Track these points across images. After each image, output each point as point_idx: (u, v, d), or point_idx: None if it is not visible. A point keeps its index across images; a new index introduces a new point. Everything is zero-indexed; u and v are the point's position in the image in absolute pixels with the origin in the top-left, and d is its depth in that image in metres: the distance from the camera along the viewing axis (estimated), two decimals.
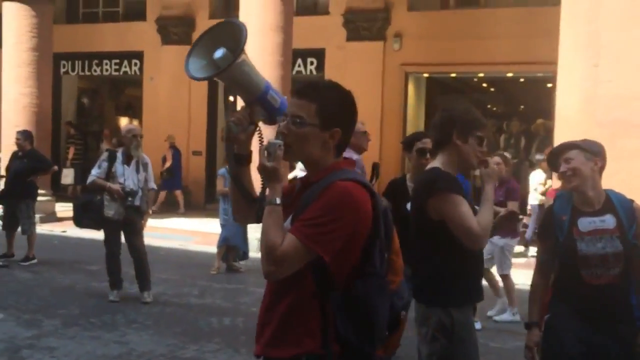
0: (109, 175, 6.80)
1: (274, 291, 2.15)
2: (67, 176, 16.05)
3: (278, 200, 2.05)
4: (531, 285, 3.45)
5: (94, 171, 6.86)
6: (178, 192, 14.57)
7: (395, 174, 13.77)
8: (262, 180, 2.13)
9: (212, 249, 10.50)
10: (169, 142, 14.54)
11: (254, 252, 8.41)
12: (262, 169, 2.07)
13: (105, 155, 7.00)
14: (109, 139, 16.72)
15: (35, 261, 8.77)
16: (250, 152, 2.26)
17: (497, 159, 5.61)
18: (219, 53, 2.15)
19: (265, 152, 2.06)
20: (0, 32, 12.53)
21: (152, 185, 7.19)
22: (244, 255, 8.69)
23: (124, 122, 20.60)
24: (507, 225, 6.64)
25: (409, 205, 3.98)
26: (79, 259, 9.23)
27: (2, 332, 5.72)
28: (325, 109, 2.13)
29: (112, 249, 6.90)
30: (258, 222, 2.18)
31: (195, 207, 14.50)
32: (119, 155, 6.91)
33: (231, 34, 2.18)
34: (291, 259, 2.00)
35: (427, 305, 3.19)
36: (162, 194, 14.03)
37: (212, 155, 15.58)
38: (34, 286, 7.57)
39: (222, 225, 8.49)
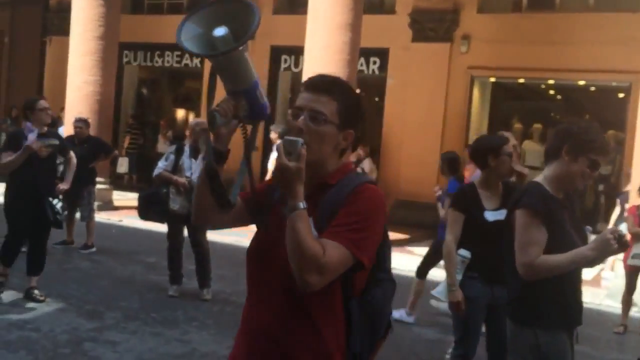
0: (176, 168, 6.68)
1: (291, 303, 1.95)
2: (122, 165, 16.17)
3: (303, 205, 1.83)
4: None
5: (161, 164, 6.75)
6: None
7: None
8: (280, 183, 1.85)
9: None
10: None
11: None
12: (284, 170, 1.81)
13: (172, 148, 6.91)
14: (165, 130, 16.82)
15: (94, 250, 8.74)
16: (229, 149, 2.01)
17: None
18: (220, 32, 1.89)
19: (285, 151, 1.82)
20: (69, 20, 12.66)
21: None
22: None
23: (180, 114, 20.76)
24: None
25: (486, 214, 3.78)
26: (137, 250, 9.17)
27: (64, 322, 5.64)
28: (347, 109, 1.99)
29: (175, 243, 6.77)
30: (263, 229, 2.04)
31: None
32: (187, 148, 6.78)
33: (240, 14, 1.91)
34: (336, 267, 1.85)
35: (515, 324, 3.01)
36: None
37: (269, 151, 15.44)
38: (94, 276, 7.51)
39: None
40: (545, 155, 3.09)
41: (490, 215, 3.83)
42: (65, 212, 6.58)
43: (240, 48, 1.88)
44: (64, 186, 6.89)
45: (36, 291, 6.18)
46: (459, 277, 3.73)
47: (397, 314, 6.55)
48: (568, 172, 2.92)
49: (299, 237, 1.81)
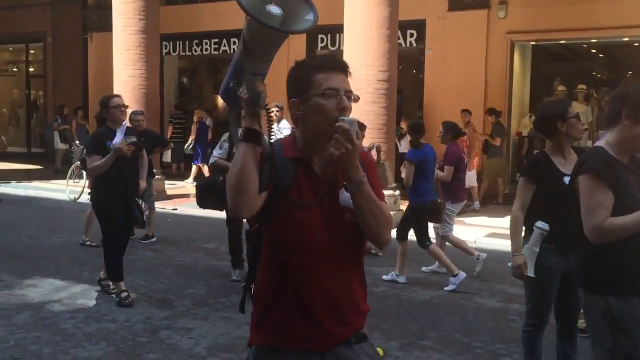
0: (231, 155, 6.84)
1: (350, 262, 2.19)
2: (166, 154, 16.49)
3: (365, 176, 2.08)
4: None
5: (216, 152, 6.92)
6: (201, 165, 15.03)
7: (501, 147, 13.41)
8: (344, 161, 2.02)
9: None
10: (196, 117, 15.50)
11: None
12: (354, 149, 2.01)
13: (226, 135, 7.03)
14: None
15: (154, 239, 9.04)
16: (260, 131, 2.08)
17: None
18: (275, 10, 2.02)
19: (350, 129, 2.00)
20: (108, 16, 12.92)
21: None
22: None
23: (220, 101, 20.95)
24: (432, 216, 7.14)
25: (565, 179, 3.76)
26: (195, 237, 9.45)
27: (138, 312, 5.90)
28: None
29: (234, 228, 6.96)
30: (317, 205, 2.16)
31: None
32: (226, 134, 6.94)
33: (295, 6, 2.08)
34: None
35: (586, 292, 3.05)
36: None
37: None
38: (158, 265, 7.79)
39: None
40: (606, 121, 3.09)
41: (568, 180, 3.84)
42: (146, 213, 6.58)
43: (284, 34, 2.04)
44: (143, 184, 6.85)
45: (109, 283, 6.30)
46: (537, 249, 3.77)
47: (388, 276, 7.19)
48: (631, 136, 2.92)
49: (376, 202, 2.10)
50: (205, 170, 14.90)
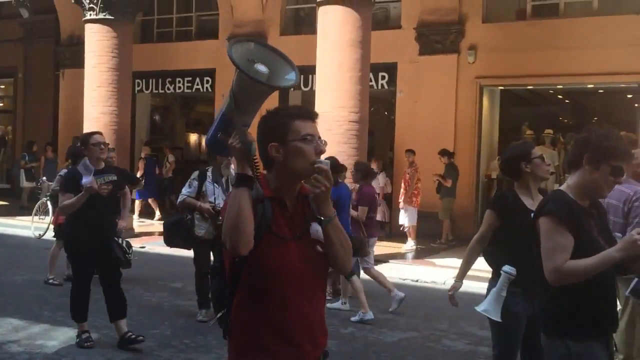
0: (200, 194, 6.80)
1: (319, 288, 2.45)
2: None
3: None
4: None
5: (185, 190, 6.87)
6: (151, 200, 15.17)
7: (469, 188, 13.59)
8: (319, 199, 2.32)
9: None
10: (143, 153, 15.63)
11: None
12: (328, 188, 2.31)
13: (195, 174, 7.00)
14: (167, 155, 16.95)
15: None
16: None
17: None
18: (262, 68, 2.30)
19: (328, 169, 2.29)
20: (81, 53, 12.90)
21: None
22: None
23: (193, 138, 20.96)
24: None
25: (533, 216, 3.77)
26: (162, 276, 9.29)
27: (99, 354, 5.74)
28: None
29: (202, 268, 6.85)
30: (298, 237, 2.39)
31: None
32: (209, 173, 6.90)
33: (280, 69, 2.37)
34: None
35: (546, 336, 3.04)
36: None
37: None
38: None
39: None
40: (568, 165, 3.13)
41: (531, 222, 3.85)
42: (131, 250, 6.24)
43: (267, 90, 2.33)
44: (122, 223, 6.51)
45: (130, 333, 5.91)
46: (504, 294, 3.73)
47: (355, 317, 7.18)
48: (591, 181, 2.94)
49: (344, 234, 2.41)
50: (154, 205, 14.96)
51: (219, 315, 2.46)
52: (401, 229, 12.66)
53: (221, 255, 2.49)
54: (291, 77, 2.37)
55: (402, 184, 12.53)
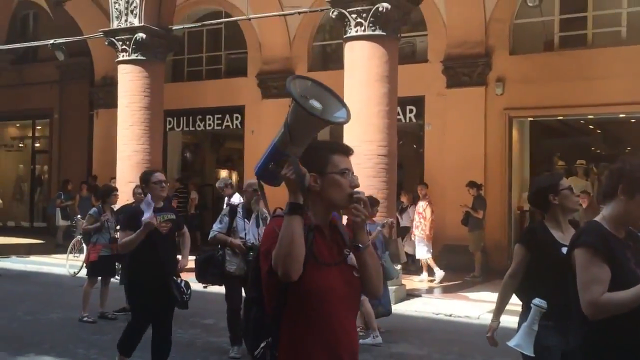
0: (230, 230, 6.86)
1: (355, 311, 2.69)
2: None
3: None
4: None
5: (216, 226, 6.93)
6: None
7: (501, 220, 13.43)
8: (359, 228, 2.50)
9: None
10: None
11: None
12: (366, 218, 2.50)
13: (226, 210, 7.08)
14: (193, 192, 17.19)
15: None
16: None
17: None
18: (316, 104, 2.45)
19: (366, 200, 2.50)
20: (114, 93, 13.22)
21: None
22: (386, 312, 8.03)
23: (223, 174, 21.18)
24: None
25: (563, 250, 3.71)
26: (194, 312, 9.25)
27: None
28: None
29: (234, 304, 6.85)
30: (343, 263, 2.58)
31: None
32: (240, 209, 6.96)
33: (332, 107, 2.52)
34: None
35: None
36: None
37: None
38: None
39: None
40: (603, 196, 3.09)
41: (566, 254, 3.79)
42: (189, 291, 5.94)
43: (319, 124, 2.53)
44: (184, 262, 6.29)
45: None
46: (535, 327, 3.68)
47: (368, 339, 7.42)
48: (626, 211, 2.91)
49: (377, 261, 2.62)
50: None
51: (263, 343, 2.52)
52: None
53: (259, 284, 2.55)
54: (342, 114, 2.53)
55: (417, 217, 12.46)
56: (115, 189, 9.92)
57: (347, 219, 2.53)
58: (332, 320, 2.48)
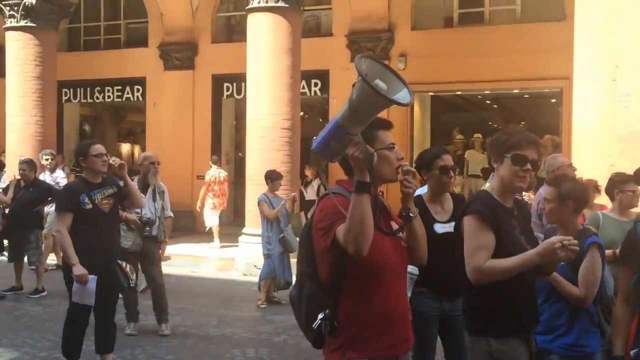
0: None
1: (404, 282, 2.78)
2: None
3: None
4: (614, 315, 3.29)
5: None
6: None
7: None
8: (408, 200, 2.67)
9: (223, 274, 10.38)
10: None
11: None
12: (415, 190, 2.67)
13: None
14: None
15: (45, 293, 8.56)
16: None
17: None
18: (382, 84, 2.45)
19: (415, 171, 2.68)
20: (3, 61, 12.46)
21: (169, 212, 7.04)
22: (286, 284, 8.18)
23: (125, 148, 20.53)
24: None
25: (436, 227, 3.82)
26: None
27: None
28: None
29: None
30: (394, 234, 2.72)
31: (200, 232, 14.25)
32: (136, 183, 6.73)
33: (396, 87, 2.53)
34: None
35: (469, 334, 3.09)
36: None
37: None
38: (46, 320, 7.35)
39: (266, 255, 8.20)
40: (490, 170, 3.21)
41: (440, 227, 3.87)
42: (134, 275, 5.50)
43: (383, 102, 2.47)
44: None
45: None
46: (409, 293, 3.77)
47: None
48: (501, 178, 3.00)
49: (424, 229, 2.79)
50: None
51: (322, 316, 2.59)
52: None
53: (311, 259, 2.65)
54: (404, 95, 2.52)
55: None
56: (3, 165, 9.41)
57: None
58: (386, 288, 2.61)
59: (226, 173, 13.55)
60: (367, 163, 2.47)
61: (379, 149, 2.60)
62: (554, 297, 3.49)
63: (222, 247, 12.47)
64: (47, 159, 9.79)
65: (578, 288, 3.39)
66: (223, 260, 11.19)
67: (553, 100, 14.37)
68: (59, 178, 9.84)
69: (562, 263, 3.06)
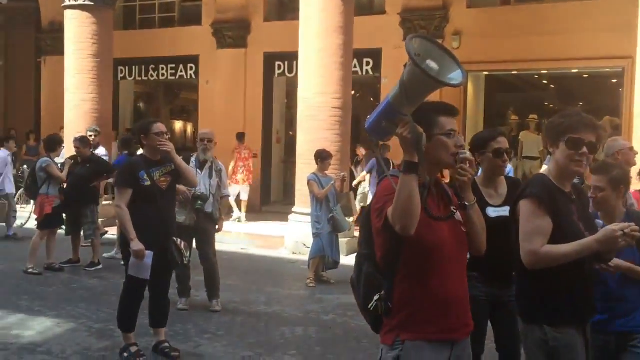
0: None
1: (464, 266, 2.72)
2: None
3: None
4: None
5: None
6: None
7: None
8: (464, 185, 2.68)
9: (273, 252, 10.46)
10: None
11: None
12: (471, 176, 2.66)
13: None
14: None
15: (100, 267, 8.81)
16: None
17: None
18: (434, 65, 2.44)
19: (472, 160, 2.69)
20: (62, 40, 12.74)
21: (227, 192, 7.10)
22: (335, 264, 8.31)
23: (178, 125, 20.84)
24: None
25: (489, 211, 3.73)
26: None
27: (75, 343, 5.68)
28: None
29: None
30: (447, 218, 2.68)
31: (252, 210, 14.39)
32: (193, 159, 6.82)
33: (449, 67, 2.50)
34: None
35: (523, 321, 3.04)
36: None
37: (268, 158, 15.52)
38: (101, 293, 7.56)
39: (315, 235, 8.24)
40: (548, 154, 3.15)
41: (493, 212, 3.76)
42: (189, 253, 5.71)
43: (433, 83, 2.44)
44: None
45: (167, 344, 5.42)
46: None
47: None
48: (557, 162, 2.94)
49: (482, 218, 2.76)
50: None
51: (377, 297, 2.60)
52: None
53: (370, 241, 2.65)
54: (457, 76, 2.49)
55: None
56: (62, 141, 9.67)
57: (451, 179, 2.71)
58: (443, 271, 2.58)
59: (250, 150, 13.71)
60: (416, 144, 2.45)
61: (437, 134, 2.60)
62: (629, 282, 3.43)
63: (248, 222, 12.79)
64: (90, 136, 9.99)
65: None
66: (273, 238, 11.27)
67: (614, 81, 13.88)
68: (101, 155, 10.04)
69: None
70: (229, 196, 7.34)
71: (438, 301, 2.57)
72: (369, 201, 12.24)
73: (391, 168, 8.13)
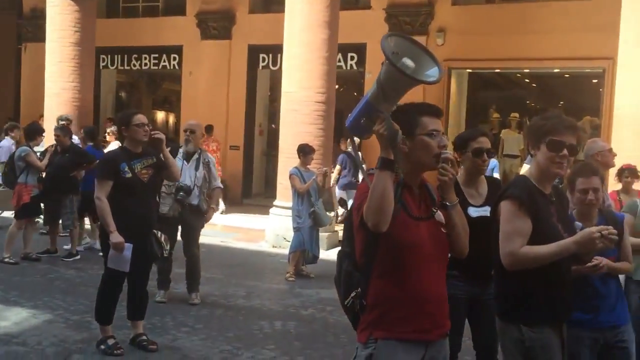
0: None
1: (443, 266, 2.71)
2: None
3: None
4: None
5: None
6: None
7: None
8: (446, 187, 2.66)
9: (253, 245, 10.45)
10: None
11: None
12: (452, 178, 2.62)
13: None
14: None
15: (78, 257, 8.75)
16: None
17: None
18: (409, 62, 2.46)
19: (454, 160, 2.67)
20: (44, 27, 12.57)
21: (217, 183, 7.04)
22: (314, 258, 8.36)
23: (160, 116, 20.70)
24: None
25: (470, 210, 3.75)
26: None
27: (52, 334, 5.63)
28: None
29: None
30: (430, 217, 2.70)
31: (233, 202, 14.35)
32: (181, 150, 6.78)
33: (425, 65, 2.52)
34: None
35: (501, 320, 3.07)
36: None
37: (250, 150, 15.49)
38: (79, 284, 7.50)
39: (296, 229, 8.25)
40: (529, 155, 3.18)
41: (474, 211, 3.79)
42: (169, 246, 5.66)
43: (409, 81, 2.46)
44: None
45: (145, 337, 5.39)
46: None
47: None
48: (538, 164, 2.97)
49: (465, 219, 2.72)
50: None
51: (353, 294, 2.63)
52: None
53: (352, 239, 2.66)
54: (433, 73, 2.51)
55: None
56: (42, 130, 9.55)
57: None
58: (419, 272, 2.57)
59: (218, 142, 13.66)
60: (391, 140, 2.46)
61: (420, 134, 2.60)
62: (609, 276, 3.55)
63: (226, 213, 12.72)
64: (62, 124, 9.88)
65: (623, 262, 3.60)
66: (253, 231, 11.25)
67: (595, 81, 14.00)
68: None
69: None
70: (221, 188, 7.26)
71: (413, 301, 2.56)
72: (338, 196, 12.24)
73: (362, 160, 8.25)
